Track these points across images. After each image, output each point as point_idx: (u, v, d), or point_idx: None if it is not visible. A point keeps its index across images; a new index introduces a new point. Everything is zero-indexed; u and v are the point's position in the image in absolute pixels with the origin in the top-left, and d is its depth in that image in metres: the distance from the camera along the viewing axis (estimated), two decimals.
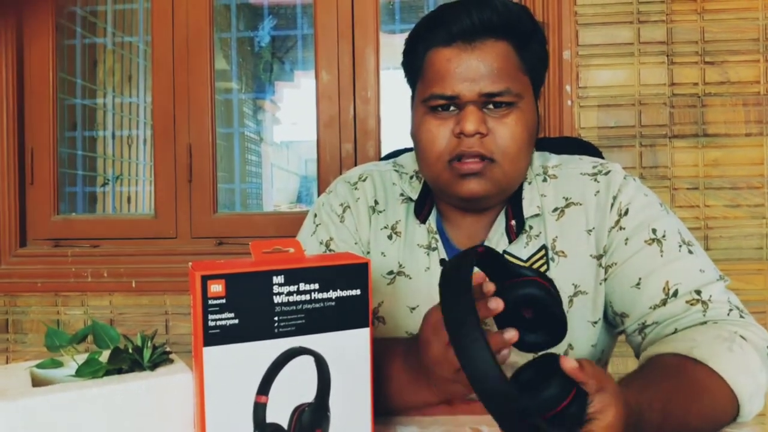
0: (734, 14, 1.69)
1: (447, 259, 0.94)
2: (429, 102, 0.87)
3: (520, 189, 0.93)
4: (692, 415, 0.70)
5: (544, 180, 0.95)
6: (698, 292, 0.83)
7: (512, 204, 0.93)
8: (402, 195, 1.00)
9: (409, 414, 0.79)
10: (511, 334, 0.66)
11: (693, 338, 0.78)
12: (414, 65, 0.92)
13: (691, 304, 0.82)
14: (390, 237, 0.97)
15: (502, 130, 0.85)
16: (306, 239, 1.01)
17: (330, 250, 0.98)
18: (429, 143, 0.88)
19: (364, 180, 1.03)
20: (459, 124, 0.85)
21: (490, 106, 0.86)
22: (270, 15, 2.58)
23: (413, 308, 0.94)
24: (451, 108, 0.87)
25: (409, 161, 1.04)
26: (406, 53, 0.94)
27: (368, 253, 0.99)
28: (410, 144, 1.19)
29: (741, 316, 0.82)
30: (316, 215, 1.02)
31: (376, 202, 1.00)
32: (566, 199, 0.92)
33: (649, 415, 0.65)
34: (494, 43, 0.85)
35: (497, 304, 0.65)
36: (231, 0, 2.22)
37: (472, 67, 0.84)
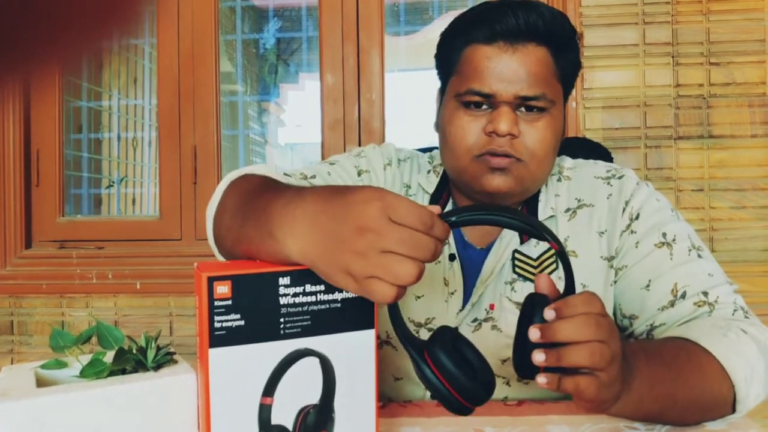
0: (740, 15, 1.69)
1: (456, 254, 0.94)
2: (463, 97, 0.87)
3: (537, 191, 0.94)
4: (681, 379, 0.70)
5: (559, 180, 0.96)
6: (705, 294, 0.84)
7: (528, 205, 0.93)
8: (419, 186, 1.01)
9: (413, 415, 0.78)
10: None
11: (689, 327, 0.80)
12: (449, 59, 0.92)
13: (699, 306, 0.83)
14: None
15: (532, 133, 0.86)
16: (339, 158, 1.03)
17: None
18: (459, 137, 0.88)
19: (406, 160, 1.04)
20: (492, 123, 0.85)
21: (523, 109, 0.86)
22: (275, 17, 2.58)
23: (419, 297, 0.94)
24: (484, 106, 0.87)
25: (425, 161, 1.05)
26: (441, 46, 0.94)
27: None
28: (420, 146, 1.19)
29: (746, 317, 0.83)
30: (359, 155, 1.04)
31: (408, 186, 1.02)
32: (578, 201, 0.93)
33: (633, 359, 0.66)
34: (535, 48, 0.85)
35: None
36: (236, 2, 2.23)
37: (512, 69, 0.84)
